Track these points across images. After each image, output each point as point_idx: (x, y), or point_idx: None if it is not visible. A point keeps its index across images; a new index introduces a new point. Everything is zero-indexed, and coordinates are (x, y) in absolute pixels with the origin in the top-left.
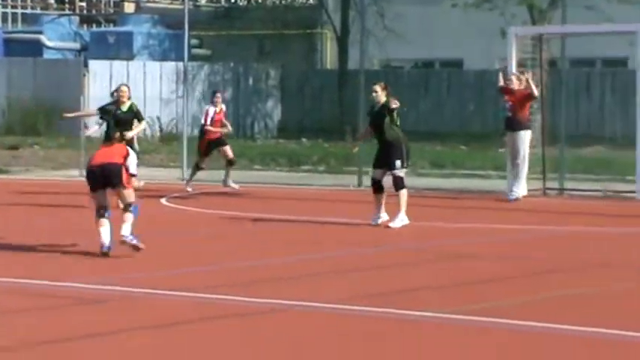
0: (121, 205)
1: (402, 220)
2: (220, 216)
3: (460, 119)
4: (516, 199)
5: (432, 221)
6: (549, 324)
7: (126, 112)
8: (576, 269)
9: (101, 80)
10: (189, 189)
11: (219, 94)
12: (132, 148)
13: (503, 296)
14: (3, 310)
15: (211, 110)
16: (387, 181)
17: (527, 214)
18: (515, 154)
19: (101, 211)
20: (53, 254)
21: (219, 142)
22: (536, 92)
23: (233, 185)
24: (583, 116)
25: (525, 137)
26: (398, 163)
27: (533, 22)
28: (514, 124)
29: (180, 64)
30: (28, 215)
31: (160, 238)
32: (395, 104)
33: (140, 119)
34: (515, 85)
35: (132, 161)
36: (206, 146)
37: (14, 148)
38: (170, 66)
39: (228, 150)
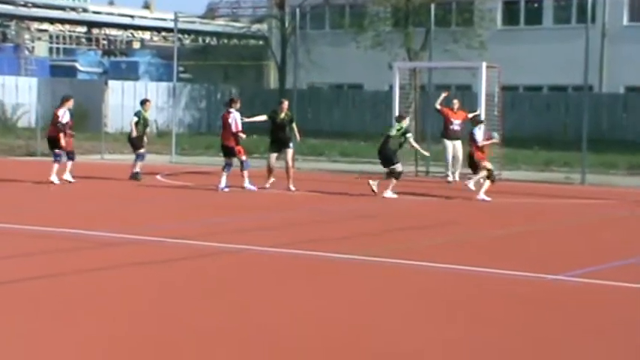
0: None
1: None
2: (194, 187)
3: (361, 124)
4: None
5: (340, 192)
6: (430, 263)
7: (283, 118)
8: (437, 225)
9: (116, 94)
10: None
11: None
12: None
13: (393, 243)
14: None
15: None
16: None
17: (402, 188)
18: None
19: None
20: (81, 210)
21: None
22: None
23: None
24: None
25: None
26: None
27: (410, 59)
28: (459, 134)
29: (171, 84)
30: (62, 183)
31: (154, 202)
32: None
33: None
34: (456, 106)
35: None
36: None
37: None
38: (164, 85)
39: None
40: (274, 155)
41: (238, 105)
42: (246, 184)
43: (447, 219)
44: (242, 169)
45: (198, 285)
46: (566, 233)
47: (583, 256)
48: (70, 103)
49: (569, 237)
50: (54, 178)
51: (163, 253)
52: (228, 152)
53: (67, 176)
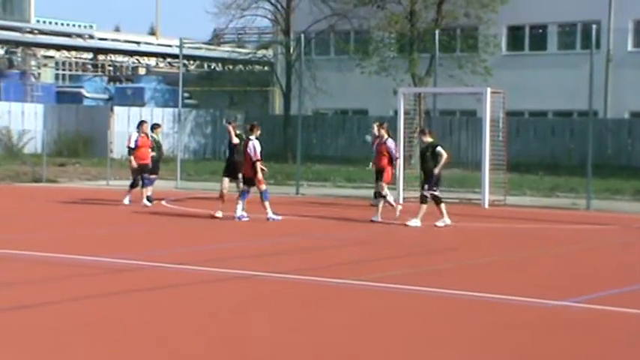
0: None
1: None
2: (200, 214)
3: (366, 149)
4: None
5: (346, 218)
6: (430, 288)
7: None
8: (437, 251)
9: (122, 120)
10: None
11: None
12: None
13: (395, 269)
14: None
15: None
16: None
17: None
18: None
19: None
20: (90, 235)
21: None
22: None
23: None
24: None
25: None
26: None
27: (415, 85)
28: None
29: (176, 109)
30: (69, 209)
31: (159, 228)
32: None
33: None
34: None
35: None
36: None
37: (62, 165)
38: (169, 111)
39: None
40: (226, 180)
41: (259, 132)
42: (270, 214)
43: (446, 245)
44: (262, 200)
45: (199, 311)
46: (571, 259)
47: (588, 282)
48: (146, 127)
49: (574, 262)
50: (145, 202)
51: (165, 279)
52: (248, 181)
53: (144, 200)
